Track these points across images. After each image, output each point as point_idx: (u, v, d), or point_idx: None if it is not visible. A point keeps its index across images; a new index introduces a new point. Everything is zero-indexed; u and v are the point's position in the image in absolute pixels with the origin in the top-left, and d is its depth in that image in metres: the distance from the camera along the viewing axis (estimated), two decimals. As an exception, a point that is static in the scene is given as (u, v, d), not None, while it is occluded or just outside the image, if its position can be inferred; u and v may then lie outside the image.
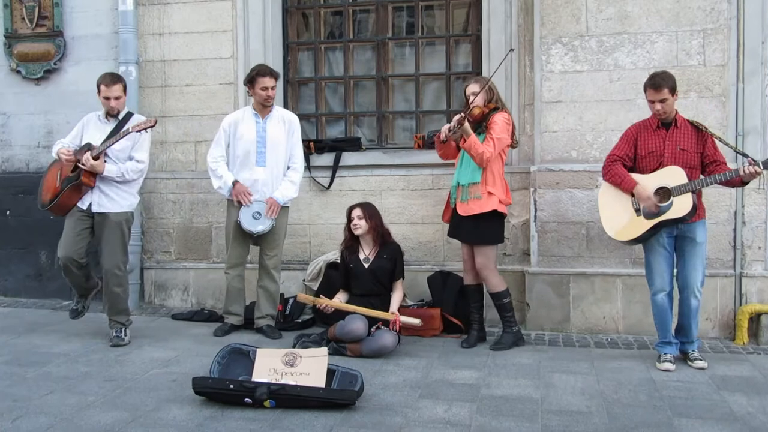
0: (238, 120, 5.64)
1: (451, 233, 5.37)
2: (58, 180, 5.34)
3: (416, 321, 5.19)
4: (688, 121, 4.74)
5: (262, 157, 5.55)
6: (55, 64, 6.89)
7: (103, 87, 5.32)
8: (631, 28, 5.56)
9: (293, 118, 5.74)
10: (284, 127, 5.63)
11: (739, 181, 4.58)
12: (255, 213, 5.51)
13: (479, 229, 5.13)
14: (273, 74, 5.53)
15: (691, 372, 4.64)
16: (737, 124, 5.44)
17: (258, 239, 5.65)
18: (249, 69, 6.44)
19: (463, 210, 5.13)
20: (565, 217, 5.70)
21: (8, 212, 7.01)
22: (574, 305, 5.68)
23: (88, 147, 5.23)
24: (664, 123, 4.72)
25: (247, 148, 5.55)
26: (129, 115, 5.46)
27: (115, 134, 5.26)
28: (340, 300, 5.31)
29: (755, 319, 5.42)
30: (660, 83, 4.61)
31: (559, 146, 5.71)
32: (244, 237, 5.63)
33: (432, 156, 6.09)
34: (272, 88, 5.52)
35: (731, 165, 4.79)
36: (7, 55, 6.98)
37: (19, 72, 6.97)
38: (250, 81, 5.52)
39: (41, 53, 6.90)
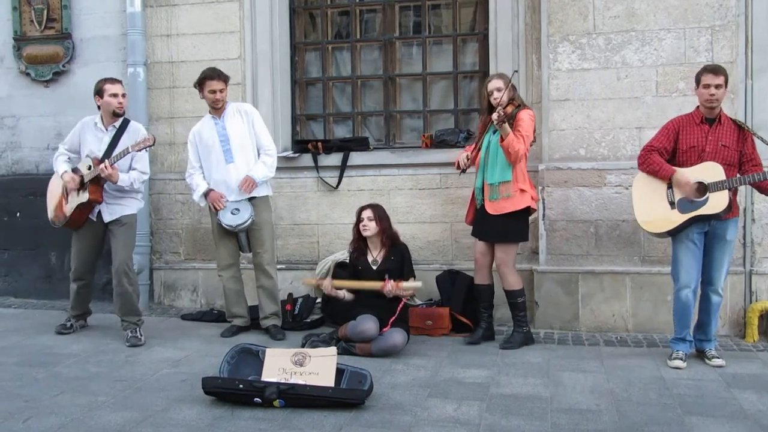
0: (199, 128, 5.68)
1: (477, 233, 5.33)
2: (66, 198, 5.47)
3: (417, 284, 5.21)
4: (731, 119, 4.72)
5: (228, 154, 5.55)
6: (63, 66, 6.92)
7: (108, 85, 5.41)
8: (639, 26, 5.54)
9: (249, 109, 5.72)
10: (242, 119, 5.61)
11: (766, 186, 4.57)
12: (233, 209, 5.51)
13: (508, 227, 5.13)
14: (221, 77, 5.52)
15: (701, 370, 4.63)
16: (746, 120, 5.40)
17: (247, 242, 5.65)
18: (257, 69, 6.50)
19: (494, 209, 5.10)
20: (573, 215, 5.69)
21: (18, 214, 7.05)
22: (583, 304, 5.67)
23: (87, 162, 5.36)
24: (708, 119, 4.69)
25: (214, 150, 5.56)
26: (126, 122, 5.53)
27: (114, 143, 5.41)
28: (344, 294, 5.31)
29: (765, 316, 5.39)
30: (718, 69, 4.67)
31: (567, 144, 5.70)
32: (230, 237, 5.63)
33: (440, 155, 6.11)
34: (220, 91, 5.51)
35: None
36: (17, 57, 7.02)
37: (28, 74, 7.01)
38: (199, 84, 5.52)
39: (50, 55, 6.93)
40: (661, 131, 4.87)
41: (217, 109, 5.58)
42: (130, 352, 5.17)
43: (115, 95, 5.39)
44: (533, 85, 5.96)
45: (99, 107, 5.48)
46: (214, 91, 5.49)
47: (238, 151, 5.56)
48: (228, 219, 5.50)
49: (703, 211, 4.58)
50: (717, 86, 4.60)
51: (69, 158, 5.59)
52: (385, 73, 6.64)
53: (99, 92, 5.42)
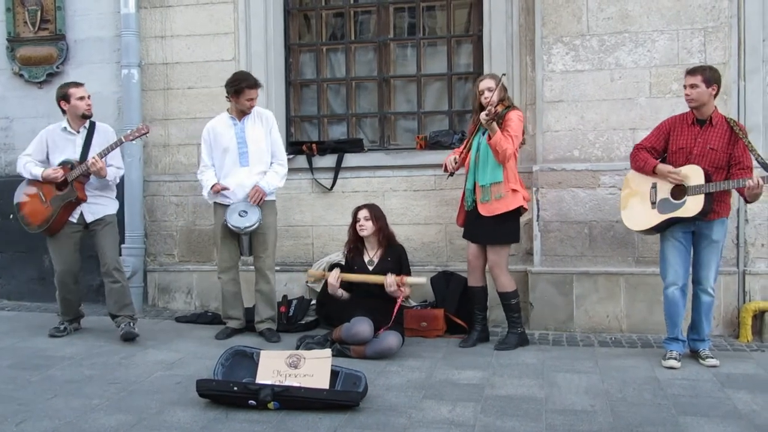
0: (215, 126, 5.65)
1: (468, 235, 5.32)
2: (44, 201, 5.42)
3: (421, 280, 5.20)
4: (727, 119, 4.70)
5: (244, 157, 5.54)
6: (57, 67, 6.91)
7: (73, 89, 5.44)
8: (632, 27, 5.56)
9: (269, 114, 5.72)
10: (261, 124, 5.62)
11: (743, 193, 4.57)
12: (241, 212, 5.49)
13: (499, 229, 5.12)
14: (258, 84, 5.53)
15: (695, 370, 4.64)
16: (739, 121, 5.43)
17: (250, 244, 5.64)
18: (251, 71, 6.43)
19: (487, 210, 5.09)
20: (567, 216, 5.70)
21: (11, 216, 7.00)
22: (578, 304, 5.68)
23: (69, 163, 5.37)
24: (699, 120, 4.70)
25: (229, 152, 5.55)
26: (93, 124, 5.54)
27: (88, 145, 5.43)
28: (341, 293, 5.30)
29: (759, 316, 5.41)
30: (696, 69, 4.67)
31: (561, 146, 5.71)
32: (233, 239, 5.62)
33: (434, 157, 6.11)
34: (256, 99, 5.54)
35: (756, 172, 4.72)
36: (10, 58, 7.00)
37: (21, 75, 7.00)
38: (237, 92, 5.46)
39: (44, 57, 6.92)
40: (653, 131, 4.90)
41: (245, 114, 5.56)
42: (124, 354, 5.15)
43: (82, 98, 5.41)
44: (527, 86, 5.98)
45: (64, 112, 5.48)
46: (251, 99, 5.49)
47: (254, 155, 5.55)
48: (235, 220, 5.47)
49: (679, 213, 4.61)
50: (692, 86, 4.61)
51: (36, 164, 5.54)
52: (379, 74, 6.64)
53: (64, 97, 5.43)
